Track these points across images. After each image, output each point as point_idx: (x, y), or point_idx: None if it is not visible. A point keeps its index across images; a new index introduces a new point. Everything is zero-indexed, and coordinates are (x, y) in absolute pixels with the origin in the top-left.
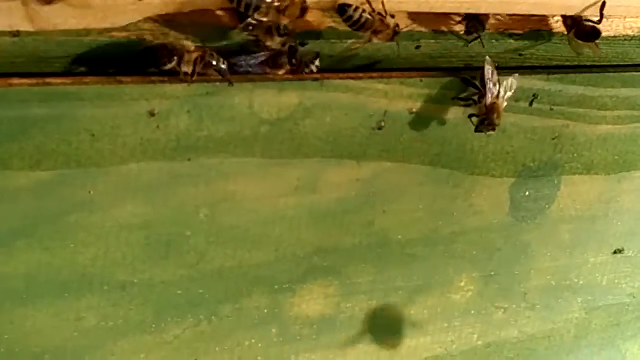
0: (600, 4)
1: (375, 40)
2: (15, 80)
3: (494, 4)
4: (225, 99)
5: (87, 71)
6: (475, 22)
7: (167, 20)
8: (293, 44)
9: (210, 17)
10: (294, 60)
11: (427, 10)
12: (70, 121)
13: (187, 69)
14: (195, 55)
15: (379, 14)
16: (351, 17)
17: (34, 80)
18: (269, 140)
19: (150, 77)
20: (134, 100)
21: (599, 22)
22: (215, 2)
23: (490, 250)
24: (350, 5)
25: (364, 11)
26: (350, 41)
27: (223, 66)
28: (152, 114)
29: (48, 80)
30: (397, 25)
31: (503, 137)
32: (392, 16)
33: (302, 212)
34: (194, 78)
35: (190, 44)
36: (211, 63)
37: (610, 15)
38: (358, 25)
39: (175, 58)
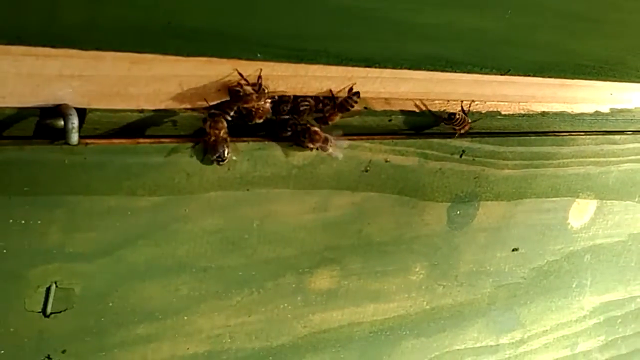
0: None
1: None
2: (141, 140)
3: (439, 94)
4: (270, 151)
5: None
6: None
7: None
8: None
9: None
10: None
11: (396, 97)
12: (174, 165)
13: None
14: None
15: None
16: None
17: (152, 140)
18: (298, 178)
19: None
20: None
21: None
22: None
23: (435, 248)
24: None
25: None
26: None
27: None
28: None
29: (162, 140)
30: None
31: (443, 177)
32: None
33: (317, 223)
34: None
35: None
36: None
37: (511, 101)
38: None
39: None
